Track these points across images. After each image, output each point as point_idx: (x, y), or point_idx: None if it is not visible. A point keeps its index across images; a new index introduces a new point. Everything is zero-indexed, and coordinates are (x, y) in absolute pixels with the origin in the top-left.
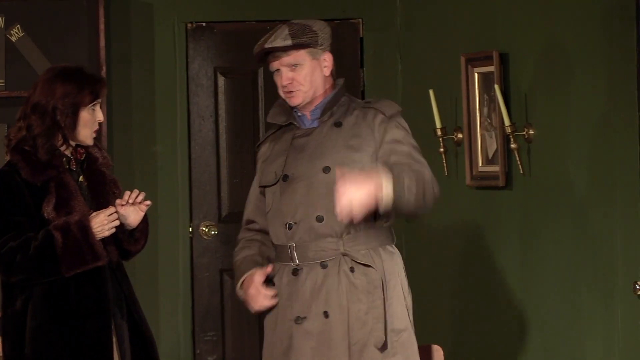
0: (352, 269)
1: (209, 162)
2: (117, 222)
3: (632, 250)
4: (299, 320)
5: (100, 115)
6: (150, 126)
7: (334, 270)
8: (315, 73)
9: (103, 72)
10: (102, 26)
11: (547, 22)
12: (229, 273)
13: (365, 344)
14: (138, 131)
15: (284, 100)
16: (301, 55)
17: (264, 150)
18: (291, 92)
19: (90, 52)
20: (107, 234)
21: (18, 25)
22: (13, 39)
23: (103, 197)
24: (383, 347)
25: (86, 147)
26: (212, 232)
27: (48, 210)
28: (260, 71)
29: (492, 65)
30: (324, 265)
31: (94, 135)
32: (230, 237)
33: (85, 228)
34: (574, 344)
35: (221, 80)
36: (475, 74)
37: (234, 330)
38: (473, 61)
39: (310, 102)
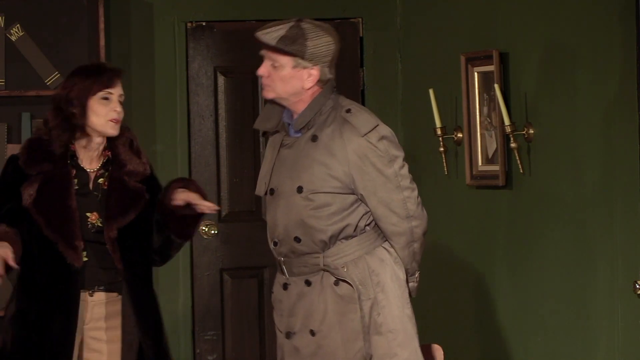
0: (336, 282)
1: (208, 161)
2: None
3: (632, 250)
4: (289, 335)
5: (116, 106)
6: (150, 125)
7: (317, 287)
8: (293, 81)
9: None
10: (102, 25)
11: (547, 22)
12: (229, 272)
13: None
14: (138, 130)
15: (273, 104)
16: (284, 60)
17: (267, 145)
18: (265, 85)
19: (90, 51)
20: None
21: (18, 25)
22: (13, 38)
23: (114, 205)
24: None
25: (117, 152)
26: (212, 232)
27: (25, 197)
28: None
29: (492, 64)
30: (308, 282)
31: (113, 125)
32: (230, 237)
33: None
34: (574, 343)
35: (221, 79)
36: (475, 74)
37: (234, 330)
38: (473, 60)
39: (292, 108)
